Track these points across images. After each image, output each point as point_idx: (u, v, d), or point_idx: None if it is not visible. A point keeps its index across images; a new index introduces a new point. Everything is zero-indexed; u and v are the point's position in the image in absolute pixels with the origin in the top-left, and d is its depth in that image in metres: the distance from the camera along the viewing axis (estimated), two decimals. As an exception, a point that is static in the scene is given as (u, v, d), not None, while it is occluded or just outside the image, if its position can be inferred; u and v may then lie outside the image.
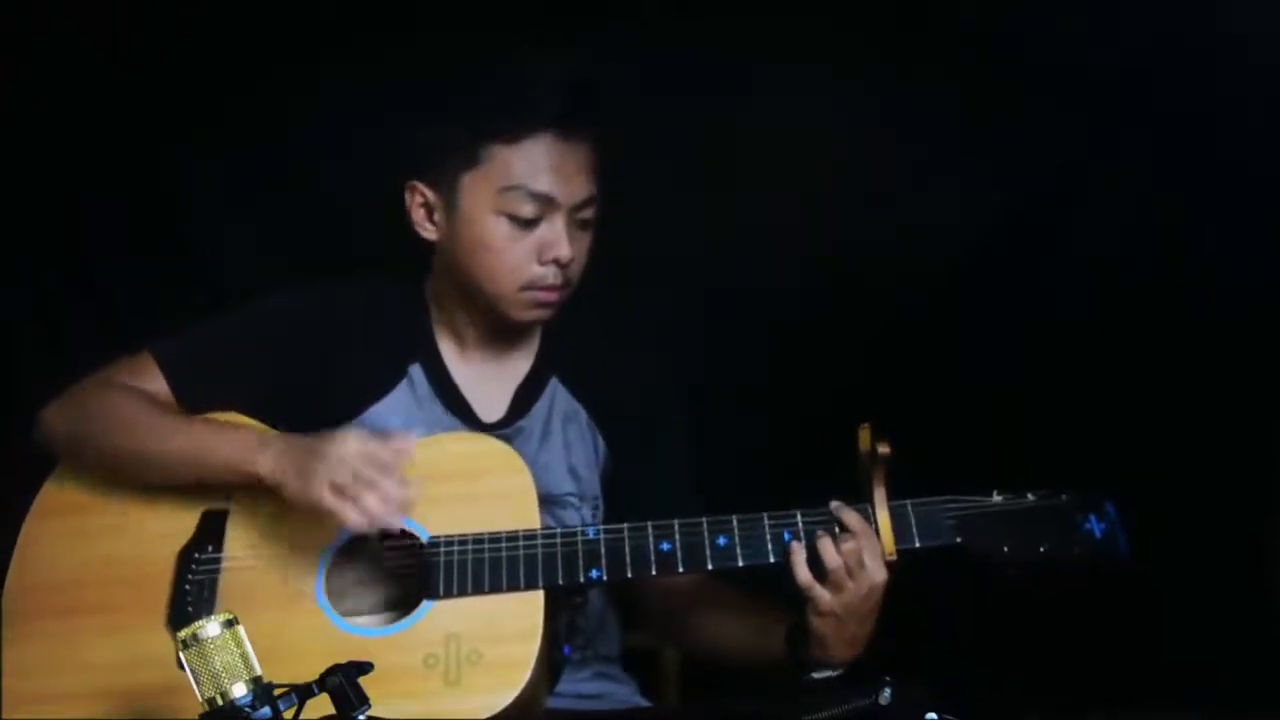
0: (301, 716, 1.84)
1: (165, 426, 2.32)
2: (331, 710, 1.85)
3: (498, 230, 2.32)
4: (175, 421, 2.33)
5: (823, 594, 2.18)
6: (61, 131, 3.09)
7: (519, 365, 2.48)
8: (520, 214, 2.31)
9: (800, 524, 2.22)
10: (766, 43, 3.04)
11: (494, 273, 2.34)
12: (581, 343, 2.48)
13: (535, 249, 2.32)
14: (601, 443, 2.47)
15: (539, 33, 2.95)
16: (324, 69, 3.06)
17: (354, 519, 2.16)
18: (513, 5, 3.00)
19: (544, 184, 2.30)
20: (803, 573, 2.19)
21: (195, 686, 1.81)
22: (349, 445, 2.19)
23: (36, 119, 3.06)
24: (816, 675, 2.24)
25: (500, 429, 2.42)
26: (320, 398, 2.37)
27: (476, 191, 2.33)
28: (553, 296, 2.35)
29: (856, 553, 2.18)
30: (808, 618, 2.20)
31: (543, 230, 2.32)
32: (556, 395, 2.47)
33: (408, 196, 2.39)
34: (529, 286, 2.34)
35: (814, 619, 2.19)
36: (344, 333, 2.41)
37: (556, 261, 2.32)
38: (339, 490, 2.16)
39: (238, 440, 2.27)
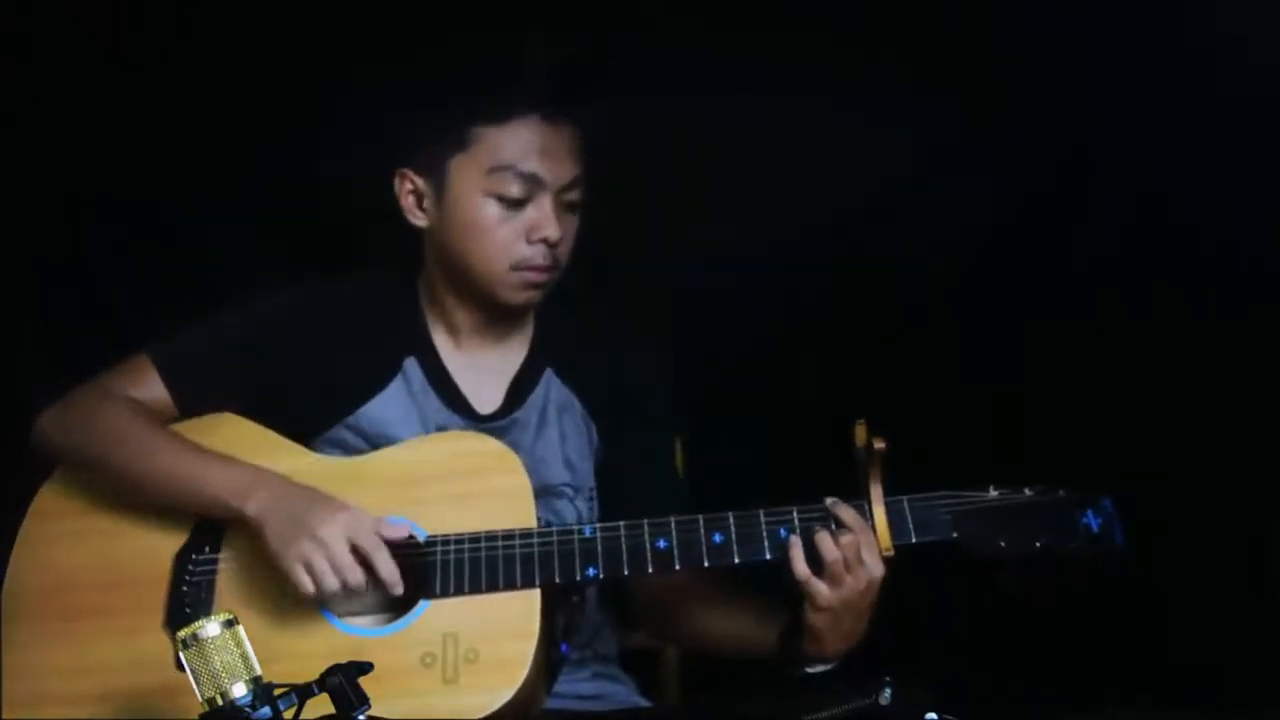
0: (301, 716, 1.84)
1: (157, 448, 2.32)
2: (331, 710, 1.85)
3: (487, 211, 2.34)
4: (168, 444, 2.33)
5: (821, 588, 2.18)
6: (61, 131, 3.09)
7: (513, 357, 2.48)
8: (509, 194, 2.33)
9: (796, 520, 2.22)
10: (767, 43, 3.04)
11: (484, 253, 2.36)
12: (576, 334, 2.49)
13: (524, 229, 2.34)
14: (595, 433, 2.48)
15: (540, 33, 2.95)
16: (324, 69, 3.07)
17: (310, 592, 2.20)
18: (512, 5, 3.00)
19: (532, 165, 2.33)
20: (801, 566, 2.18)
21: (195, 686, 1.81)
22: (335, 528, 2.20)
23: (36, 119, 3.06)
24: (810, 670, 2.24)
25: (496, 421, 2.43)
26: (317, 395, 2.38)
27: (465, 173, 2.35)
28: (542, 277, 2.37)
29: (854, 546, 2.18)
30: (804, 612, 2.20)
31: (530, 211, 2.34)
32: (551, 386, 2.48)
33: (397, 184, 2.41)
34: (519, 266, 2.35)
35: (811, 614, 2.19)
36: (338, 330, 2.42)
37: (545, 241, 2.34)
38: (309, 569, 2.19)
39: (228, 477, 2.27)
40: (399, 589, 2.21)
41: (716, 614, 2.40)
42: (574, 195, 2.37)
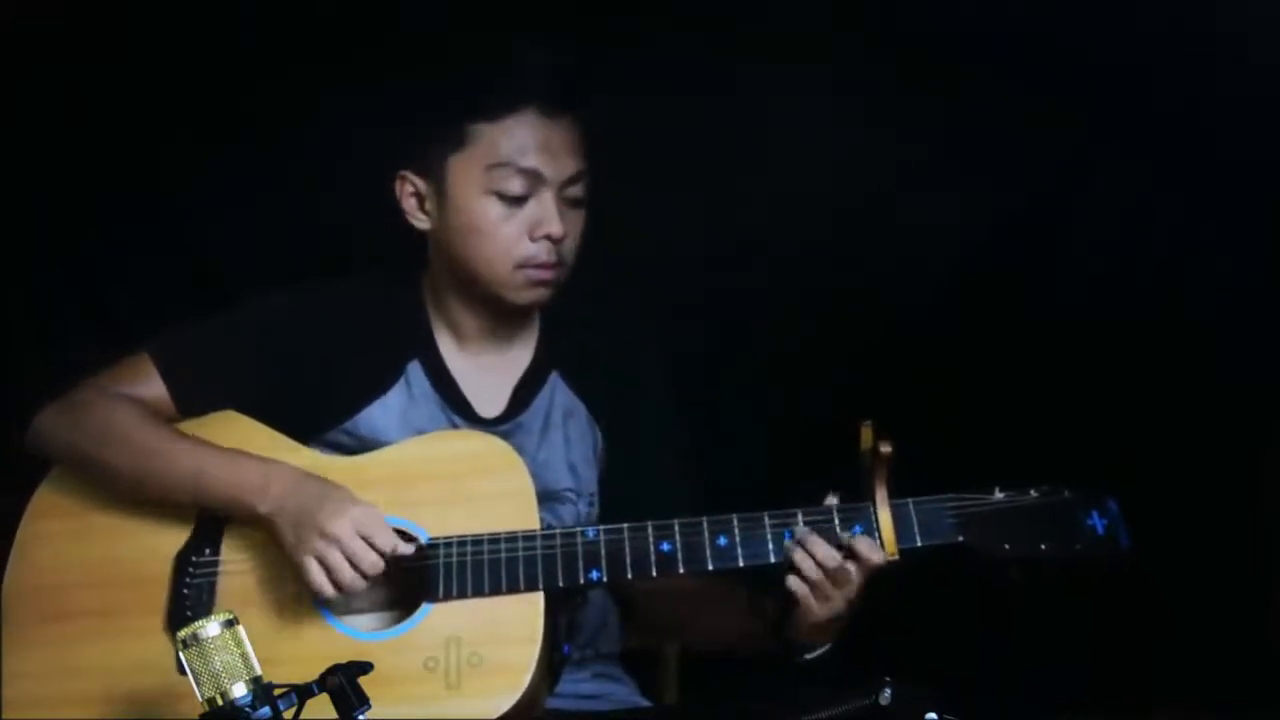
0: (301, 717, 1.84)
1: (168, 448, 2.31)
2: (331, 710, 1.85)
3: (488, 210, 2.33)
4: (179, 443, 2.31)
5: (814, 604, 2.19)
6: (61, 131, 3.08)
7: (519, 360, 2.47)
8: (509, 191, 2.32)
9: (801, 522, 2.22)
10: (766, 43, 3.04)
11: (488, 254, 2.34)
12: (582, 336, 2.48)
13: (526, 226, 2.33)
14: (600, 436, 2.47)
15: (538, 32, 2.95)
16: (325, 68, 3.06)
17: (329, 592, 2.20)
18: (512, 5, 3.00)
19: (531, 160, 2.31)
20: (798, 586, 2.19)
21: (195, 686, 1.82)
22: (344, 522, 2.19)
23: (37, 119, 3.06)
24: (809, 655, 2.26)
25: (500, 425, 2.42)
26: (319, 397, 2.37)
27: (465, 172, 2.34)
28: (548, 275, 2.35)
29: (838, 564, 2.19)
30: (795, 613, 2.21)
31: (532, 208, 2.33)
32: (556, 390, 2.47)
33: (398, 187, 2.40)
34: (523, 265, 2.34)
35: (802, 616, 2.21)
36: (341, 331, 2.41)
37: (549, 237, 2.32)
38: (324, 565, 2.19)
39: (241, 474, 2.27)
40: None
41: (709, 614, 2.40)
42: (577, 190, 2.36)
